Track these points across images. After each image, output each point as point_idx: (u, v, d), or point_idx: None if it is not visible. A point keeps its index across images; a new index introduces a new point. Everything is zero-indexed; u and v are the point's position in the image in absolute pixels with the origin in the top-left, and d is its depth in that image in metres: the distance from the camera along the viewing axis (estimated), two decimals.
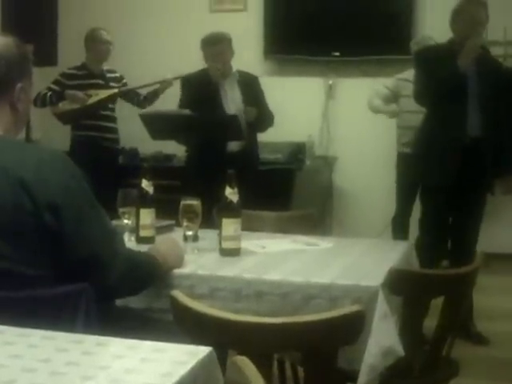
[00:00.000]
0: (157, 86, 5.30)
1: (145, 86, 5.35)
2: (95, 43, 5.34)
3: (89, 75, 5.32)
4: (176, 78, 5.05)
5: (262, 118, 4.58)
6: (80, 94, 5.18)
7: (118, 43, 5.98)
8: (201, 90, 4.48)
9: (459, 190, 3.86)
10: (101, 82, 5.33)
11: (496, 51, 5.72)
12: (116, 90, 5.34)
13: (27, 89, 1.90)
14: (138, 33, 6.47)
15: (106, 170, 5.07)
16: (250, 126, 4.51)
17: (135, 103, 5.42)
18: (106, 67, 5.43)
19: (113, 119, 5.44)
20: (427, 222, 3.99)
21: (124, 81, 5.46)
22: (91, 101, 5.20)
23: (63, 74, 5.32)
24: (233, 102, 4.56)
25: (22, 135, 2.10)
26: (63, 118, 5.30)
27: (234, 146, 4.52)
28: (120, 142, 5.61)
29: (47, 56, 5.47)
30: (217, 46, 4.53)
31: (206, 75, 4.56)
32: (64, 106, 5.22)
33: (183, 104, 4.53)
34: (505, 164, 3.98)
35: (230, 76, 4.60)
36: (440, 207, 3.91)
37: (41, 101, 5.17)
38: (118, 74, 5.46)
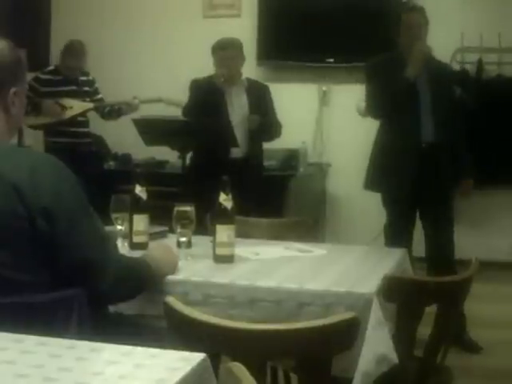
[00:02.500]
0: (122, 104, 5.30)
1: (116, 103, 5.35)
2: (68, 60, 5.30)
3: (63, 81, 5.27)
4: (143, 102, 5.07)
5: (268, 127, 4.58)
6: (57, 108, 5.15)
7: (111, 49, 6.00)
8: (207, 95, 4.45)
9: (420, 198, 3.95)
10: (74, 87, 5.31)
11: (491, 58, 5.77)
12: (91, 105, 5.31)
13: (21, 93, 1.89)
14: (131, 38, 6.46)
15: (87, 176, 5.02)
16: (254, 133, 4.51)
17: (100, 113, 5.42)
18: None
19: (85, 124, 5.43)
20: (391, 232, 4.05)
21: (96, 85, 5.44)
22: (66, 115, 5.19)
23: (37, 80, 5.23)
24: (238, 108, 4.54)
25: (14, 141, 2.09)
26: (35, 128, 5.28)
27: (236, 152, 4.51)
28: (99, 146, 5.58)
29: (40, 61, 5.47)
30: (225, 50, 4.52)
31: (212, 81, 4.55)
32: (37, 118, 5.17)
33: (188, 107, 4.52)
34: (460, 169, 4.09)
35: (238, 83, 4.58)
36: (403, 216, 3.98)
37: None
38: (91, 77, 5.43)
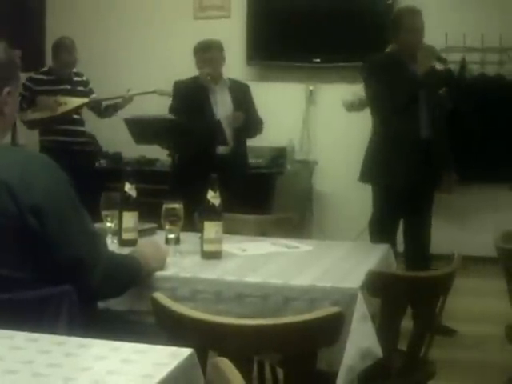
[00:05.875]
0: (118, 100, 5.32)
1: (109, 98, 5.36)
2: (61, 56, 5.32)
3: (56, 81, 5.30)
4: (137, 95, 5.10)
5: (251, 124, 4.64)
6: (51, 101, 5.16)
7: (103, 49, 6.01)
8: (191, 96, 4.52)
9: (413, 191, 4.03)
10: (68, 87, 5.32)
11: (492, 57, 5.84)
12: (85, 100, 5.33)
13: (14, 93, 1.91)
14: (123, 40, 6.49)
15: (81, 174, 5.03)
16: (238, 130, 4.56)
17: (96, 112, 5.43)
18: (73, 70, 5.41)
19: (80, 122, 5.44)
20: (379, 228, 4.11)
21: (90, 86, 5.46)
22: (61, 110, 5.20)
23: (31, 79, 5.28)
24: (223, 107, 4.60)
25: (7, 139, 2.10)
26: (31, 124, 5.29)
27: (222, 149, 4.57)
28: (93, 145, 5.59)
29: (34, 61, 5.47)
30: (207, 51, 4.60)
31: (197, 82, 4.61)
32: (33, 113, 5.19)
33: (173, 109, 4.56)
34: (446, 162, 4.22)
35: (221, 82, 4.64)
36: (392, 212, 4.08)
37: None
38: (84, 78, 5.46)
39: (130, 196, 2.64)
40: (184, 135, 4.41)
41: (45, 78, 5.31)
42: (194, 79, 4.63)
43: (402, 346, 2.30)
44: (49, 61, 5.67)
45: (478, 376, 3.55)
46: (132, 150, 5.42)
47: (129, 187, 2.64)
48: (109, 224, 2.67)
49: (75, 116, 5.36)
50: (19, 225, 1.74)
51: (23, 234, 1.75)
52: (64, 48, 5.31)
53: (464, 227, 5.98)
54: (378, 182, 4.15)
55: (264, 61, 6.27)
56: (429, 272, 2.41)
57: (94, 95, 5.43)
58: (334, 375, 2.00)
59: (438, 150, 4.09)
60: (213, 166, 3.99)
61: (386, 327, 2.19)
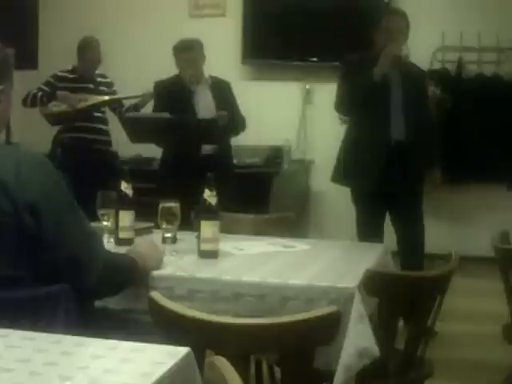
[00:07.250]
0: (139, 98, 5.31)
1: (129, 97, 5.36)
2: (87, 55, 5.33)
3: (79, 79, 5.32)
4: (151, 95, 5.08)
5: (235, 122, 4.62)
6: (71, 95, 5.18)
7: None
8: (173, 96, 4.51)
9: (388, 195, 4.06)
10: (91, 86, 5.34)
11: (489, 57, 5.86)
12: (106, 98, 5.33)
13: (7, 92, 1.90)
14: (118, 38, 6.47)
15: (95, 173, 5.02)
16: (222, 130, 4.55)
17: (117, 113, 5.42)
18: (97, 71, 5.43)
19: (104, 121, 5.43)
20: (361, 227, 4.16)
21: (114, 88, 5.46)
22: (81, 105, 5.20)
23: (54, 76, 5.32)
24: (205, 107, 4.59)
25: (1, 138, 2.10)
26: (51, 119, 5.28)
27: (207, 149, 4.56)
28: (112, 145, 5.59)
29: (28, 59, 5.47)
30: (189, 52, 4.57)
31: (178, 81, 4.60)
32: (54, 107, 5.20)
33: (157, 110, 4.56)
34: (428, 163, 4.25)
35: (203, 81, 4.63)
36: (371, 212, 4.11)
37: (31, 100, 5.16)
38: (109, 80, 5.46)
39: (126, 195, 2.64)
40: (179, 134, 4.40)
41: (69, 76, 5.34)
42: (175, 78, 4.62)
43: (399, 345, 2.30)
44: (42, 59, 5.66)
45: (475, 375, 3.55)
46: (128, 148, 5.42)
47: (125, 186, 2.64)
48: (105, 223, 2.68)
49: (96, 114, 5.35)
50: (15, 223, 1.73)
51: (19, 232, 1.74)
52: (88, 47, 5.34)
53: (462, 227, 5.99)
54: (348, 184, 4.18)
55: (260, 59, 6.27)
56: (426, 272, 2.41)
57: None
58: (332, 374, 2.00)
59: (413, 150, 4.06)
60: (198, 165, 4.02)
61: (384, 326, 2.20)
